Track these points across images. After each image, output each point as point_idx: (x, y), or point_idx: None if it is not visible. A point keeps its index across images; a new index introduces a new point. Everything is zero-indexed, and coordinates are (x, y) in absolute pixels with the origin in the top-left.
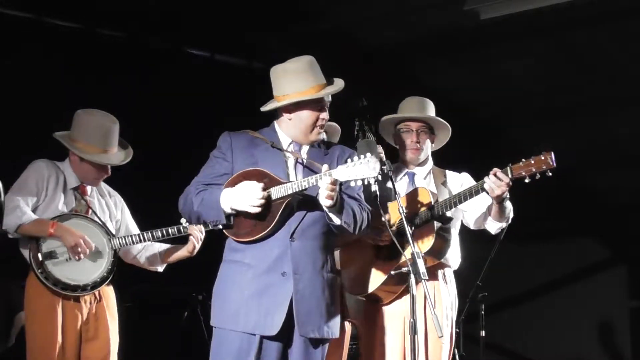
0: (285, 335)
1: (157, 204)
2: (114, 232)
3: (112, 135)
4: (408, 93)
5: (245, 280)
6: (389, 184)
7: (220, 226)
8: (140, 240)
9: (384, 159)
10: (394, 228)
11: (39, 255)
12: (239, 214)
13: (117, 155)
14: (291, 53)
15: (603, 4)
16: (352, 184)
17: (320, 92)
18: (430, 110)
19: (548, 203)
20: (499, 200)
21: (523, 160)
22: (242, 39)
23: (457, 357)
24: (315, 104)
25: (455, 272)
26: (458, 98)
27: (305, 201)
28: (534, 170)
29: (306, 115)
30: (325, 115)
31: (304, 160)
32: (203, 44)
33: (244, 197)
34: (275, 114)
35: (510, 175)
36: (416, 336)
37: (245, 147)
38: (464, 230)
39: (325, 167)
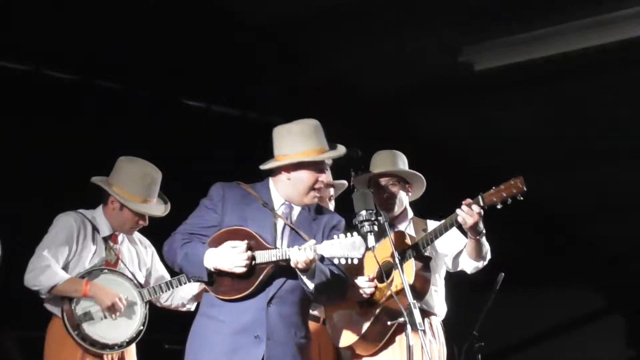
0: None
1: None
2: (142, 281)
3: (156, 186)
4: (403, 142)
5: (218, 338)
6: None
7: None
8: (169, 288)
9: (380, 210)
10: (373, 276)
11: (74, 317)
12: (221, 272)
13: (158, 207)
14: (286, 102)
15: (596, 56)
16: (336, 261)
17: (322, 155)
18: (400, 162)
19: (544, 251)
20: (475, 232)
21: (494, 187)
22: (239, 89)
23: None
24: (315, 167)
25: (448, 321)
26: (451, 147)
27: (287, 268)
28: (505, 195)
29: (306, 177)
30: (324, 177)
31: (293, 225)
32: (199, 95)
33: (229, 258)
34: (272, 172)
35: (482, 204)
36: None
37: (238, 202)
38: (458, 280)
39: (312, 242)
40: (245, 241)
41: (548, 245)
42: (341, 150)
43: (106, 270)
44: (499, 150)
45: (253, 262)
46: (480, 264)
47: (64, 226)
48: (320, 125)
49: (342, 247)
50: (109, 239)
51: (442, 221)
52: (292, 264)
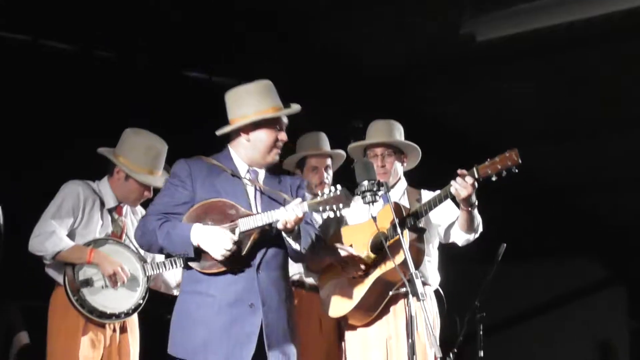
0: None
1: None
2: (143, 253)
3: (162, 158)
4: (403, 115)
5: (212, 313)
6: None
7: (185, 259)
8: (173, 266)
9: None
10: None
11: (76, 282)
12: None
13: (163, 179)
14: (287, 76)
15: (601, 25)
16: (324, 215)
17: (279, 112)
18: (396, 132)
19: (546, 223)
20: (467, 204)
21: (488, 159)
22: (238, 61)
23: None
24: (274, 124)
25: (449, 292)
26: (453, 121)
27: (268, 232)
28: (499, 167)
29: (265, 136)
30: (283, 136)
31: (263, 189)
32: (201, 66)
33: (214, 242)
34: (230, 138)
35: (476, 176)
36: (415, 357)
37: (206, 175)
38: (460, 251)
39: (297, 200)
40: (234, 235)
41: (550, 217)
42: (296, 107)
43: (111, 241)
44: (501, 123)
45: (238, 231)
46: (472, 237)
47: (71, 194)
48: (273, 84)
49: (327, 201)
50: (114, 211)
51: (436, 193)
52: (280, 226)
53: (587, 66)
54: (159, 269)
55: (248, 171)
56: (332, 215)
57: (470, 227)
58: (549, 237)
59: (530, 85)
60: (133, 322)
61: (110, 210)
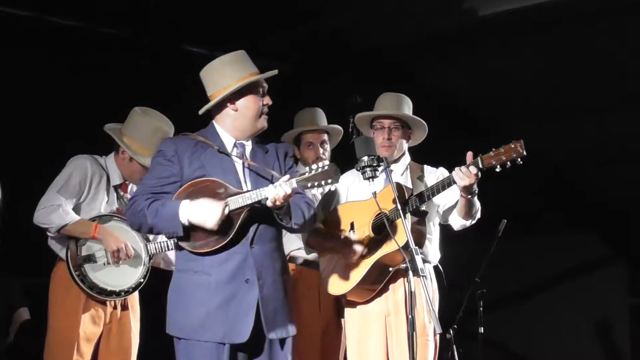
0: (253, 341)
1: None
2: None
3: None
4: (405, 91)
5: (208, 291)
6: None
7: (176, 239)
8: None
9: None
10: (371, 222)
11: (78, 257)
12: (195, 226)
13: None
14: (285, 53)
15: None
16: (314, 190)
17: (260, 76)
18: (405, 106)
19: (546, 198)
20: (467, 192)
21: (493, 149)
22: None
23: (455, 354)
24: (256, 89)
25: (450, 268)
26: (456, 96)
27: (259, 208)
28: (504, 158)
29: (252, 102)
30: (268, 100)
31: (251, 165)
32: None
33: (205, 215)
34: (214, 113)
35: (480, 165)
36: (414, 333)
37: (192, 152)
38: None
39: (286, 177)
40: (224, 208)
41: (550, 192)
42: (273, 71)
43: (116, 218)
44: (503, 98)
45: (227, 210)
46: (468, 223)
47: (79, 168)
48: (246, 53)
49: (315, 177)
50: (120, 188)
51: (439, 173)
52: (270, 203)
53: (589, 40)
54: (161, 249)
55: (235, 145)
56: (320, 190)
57: (468, 213)
58: (549, 214)
59: (533, 59)
60: (134, 300)
61: (115, 187)
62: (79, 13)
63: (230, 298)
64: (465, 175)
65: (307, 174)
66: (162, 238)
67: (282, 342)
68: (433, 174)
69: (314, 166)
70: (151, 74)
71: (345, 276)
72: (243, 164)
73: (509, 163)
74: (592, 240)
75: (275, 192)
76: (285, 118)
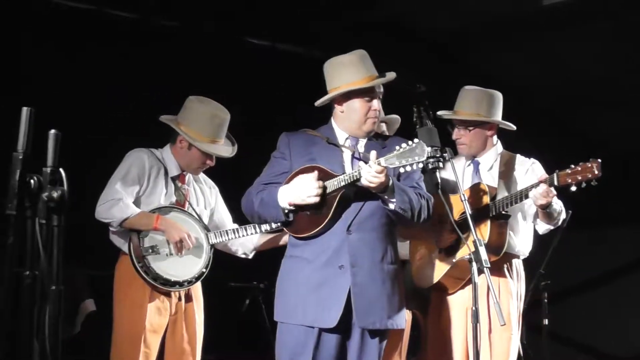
0: (343, 328)
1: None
2: (207, 221)
3: (224, 127)
4: (466, 81)
5: (303, 275)
6: (451, 175)
7: (280, 224)
8: (236, 236)
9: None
10: (457, 219)
11: (141, 249)
12: (297, 211)
13: (226, 148)
14: (346, 41)
15: None
16: (402, 170)
17: (369, 82)
18: (485, 104)
19: (611, 189)
20: (544, 207)
21: (572, 166)
22: (305, 27)
23: (519, 345)
24: (365, 94)
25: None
26: (516, 85)
27: (363, 193)
28: (580, 178)
29: (357, 106)
30: (376, 105)
31: (361, 154)
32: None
33: (300, 189)
34: (331, 110)
35: (556, 183)
36: (478, 325)
37: (303, 145)
38: None
39: (373, 154)
40: (315, 172)
41: (615, 183)
42: (390, 75)
43: (176, 209)
44: (567, 87)
45: (325, 192)
46: (552, 226)
47: (137, 161)
48: (367, 54)
49: (403, 155)
50: (177, 179)
51: (520, 189)
52: (365, 182)
53: None
54: (221, 237)
55: (347, 138)
56: (409, 169)
57: (549, 220)
58: (614, 204)
59: (596, 47)
60: (197, 290)
61: (173, 179)
62: (135, 5)
63: (322, 283)
64: (542, 195)
65: (394, 152)
66: (216, 222)
67: (375, 333)
68: (522, 167)
69: (403, 144)
70: (205, 64)
71: (432, 269)
72: (352, 154)
73: (584, 183)
74: None
75: (366, 169)
76: None
